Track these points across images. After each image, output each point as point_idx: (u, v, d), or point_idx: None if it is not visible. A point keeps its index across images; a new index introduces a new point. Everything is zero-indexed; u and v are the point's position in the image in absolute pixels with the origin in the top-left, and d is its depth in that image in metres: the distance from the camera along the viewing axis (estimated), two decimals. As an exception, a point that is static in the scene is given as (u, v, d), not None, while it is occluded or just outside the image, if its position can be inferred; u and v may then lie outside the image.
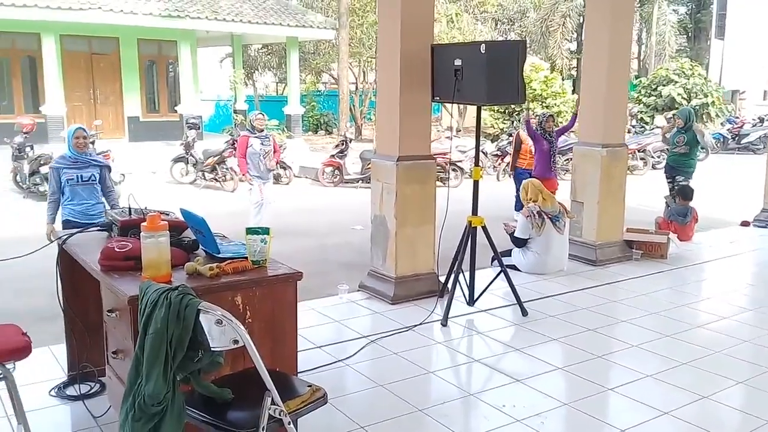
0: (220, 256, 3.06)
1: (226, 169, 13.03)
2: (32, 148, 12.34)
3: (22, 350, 2.81)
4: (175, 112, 18.54)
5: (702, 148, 18.75)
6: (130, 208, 3.42)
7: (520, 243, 6.36)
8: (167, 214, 3.49)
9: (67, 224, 4.95)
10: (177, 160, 13.89)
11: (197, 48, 20.05)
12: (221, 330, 2.19)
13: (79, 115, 17.52)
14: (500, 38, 27.63)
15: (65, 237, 3.43)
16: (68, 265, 3.48)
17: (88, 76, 17.90)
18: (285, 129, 19.37)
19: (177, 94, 19.01)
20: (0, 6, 14.43)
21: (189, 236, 3.27)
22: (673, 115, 9.25)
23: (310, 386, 2.59)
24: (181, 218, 3.29)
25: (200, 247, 3.23)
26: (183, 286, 2.24)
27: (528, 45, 30.94)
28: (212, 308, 2.19)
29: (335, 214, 10.64)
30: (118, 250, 2.92)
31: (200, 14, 17.11)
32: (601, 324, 5.01)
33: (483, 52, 4.60)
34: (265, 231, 3.01)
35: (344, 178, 13.87)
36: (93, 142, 12.76)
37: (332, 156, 14.26)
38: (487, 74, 4.60)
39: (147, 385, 2.14)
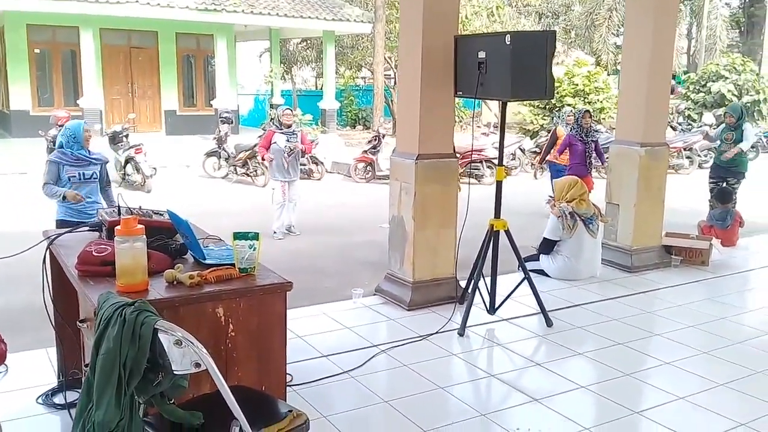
0: (205, 262, 2.85)
1: (258, 163, 12.90)
2: (67, 141, 12.40)
3: (-7, 359, 2.64)
4: (211, 106, 18.57)
5: (752, 147, 17.94)
6: (119, 207, 3.23)
7: (549, 246, 6.01)
8: (160, 215, 3.30)
9: (61, 224, 4.77)
10: (210, 154, 13.85)
11: (236, 42, 20.05)
12: (181, 352, 1.95)
13: (117, 108, 17.71)
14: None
15: (53, 236, 3.26)
16: (58, 266, 3.32)
17: (126, 69, 18.03)
18: (319, 124, 19.22)
19: (214, 88, 19.04)
20: (40, -1, 14.62)
21: (179, 240, 3.07)
22: (724, 112, 8.68)
23: (291, 411, 2.35)
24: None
25: (189, 251, 3.02)
26: (141, 302, 2.01)
27: (573, 39, 30.39)
28: (171, 328, 1.95)
29: (365, 211, 10.39)
30: (95, 254, 2.72)
31: (237, 8, 17.06)
32: (632, 337, 4.65)
33: (508, 43, 4.28)
34: (254, 236, 2.78)
35: (377, 174, 13.61)
36: (127, 135, 12.82)
37: (365, 152, 14.03)
38: (512, 67, 4.27)
39: (97, 411, 1.92)
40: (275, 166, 8.22)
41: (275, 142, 8.15)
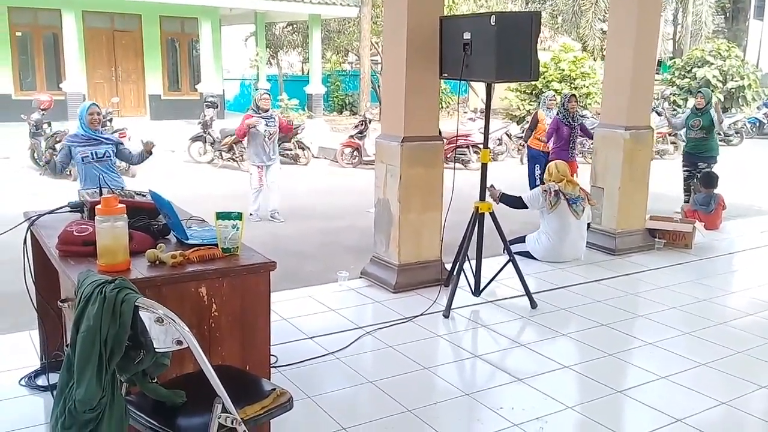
0: (188, 242, 2.83)
1: (243, 148, 12.81)
2: (50, 125, 12.27)
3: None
4: (196, 90, 18.40)
5: (736, 133, 18.02)
6: (100, 188, 3.20)
7: (515, 203, 5.95)
8: (143, 195, 3.27)
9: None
10: (195, 139, 13.72)
11: (221, 26, 19.82)
12: (163, 329, 1.94)
13: (100, 92, 17.48)
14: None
15: (34, 218, 3.22)
16: (40, 248, 3.28)
17: (110, 53, 17.80)
18: (306, 109, 19.10)
19: (199, 72, 18.86)
20: (20, -19, 14.38)
21: (161, 220, 3.04)
22: (696, 92, 8.71)
23: (274, 389, 2.34)
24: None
25: (172, 232, 2.99)
26: (121, 279, 2.00)
27: (559, 25, 30.34)
28: (152, 305, 1.94)
29: (351, 196, 10.36)
30: (76, 234, 2.69)
31: (221, -10, 16.87)
32: (616, 318, 4.69)
33: (493, 24, 4.26)
34: (238, 216, 2.76)
35: (363, 159, 13.56)
36: (111, 120, 12.67)
37: (351, 137, 13.97)
38: (497, 48, 4.26)
39: (78, 389, 1.91)
40: (253, 151, 8.18)
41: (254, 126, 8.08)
